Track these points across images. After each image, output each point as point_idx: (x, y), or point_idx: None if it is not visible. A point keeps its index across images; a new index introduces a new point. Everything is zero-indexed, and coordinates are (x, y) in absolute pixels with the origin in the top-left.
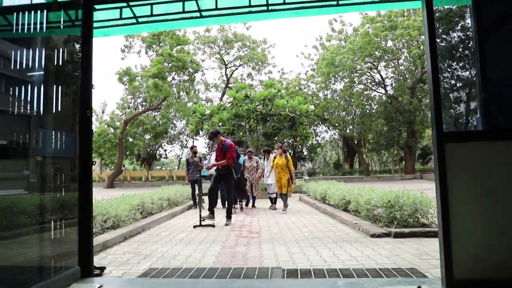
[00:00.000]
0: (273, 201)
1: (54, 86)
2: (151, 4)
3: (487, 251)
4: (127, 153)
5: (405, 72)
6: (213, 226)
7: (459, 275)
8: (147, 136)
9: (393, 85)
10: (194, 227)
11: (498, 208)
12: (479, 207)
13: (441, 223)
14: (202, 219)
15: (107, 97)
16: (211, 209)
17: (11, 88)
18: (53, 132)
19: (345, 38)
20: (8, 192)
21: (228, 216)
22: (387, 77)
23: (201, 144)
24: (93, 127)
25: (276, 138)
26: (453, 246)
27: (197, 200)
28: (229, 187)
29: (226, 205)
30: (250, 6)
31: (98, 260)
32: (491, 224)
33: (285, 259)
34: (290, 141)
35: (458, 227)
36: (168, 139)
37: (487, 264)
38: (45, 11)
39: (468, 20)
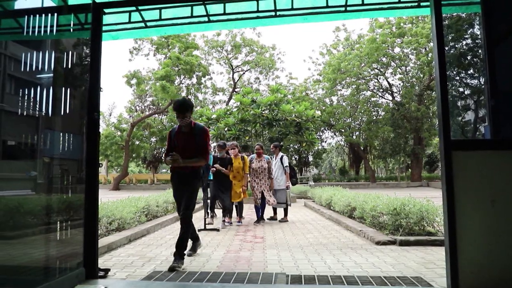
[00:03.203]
0: (274, 211)
1: (63, 88)
2: (160, 9)
3: (494, 260)
4: (134, 155)
5: (413, 79)
6: (217, 230)
7: (465, 284)
8: (154, 139)
9: (401, 92)
10: (199, 231)
11: (505, 217)
12: (486, 216)
13: (447, 232)
14: (206, 223)
15: (115, 99)
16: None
17: (20, 90)
18: (61, 133)
19: (352, 44)
20: (15, 192)
21: (183, 250)
22: (394, 84)
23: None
24: (100, 129)
25: (282, 143)
26: (459, 255)
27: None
28: (192, 199)
29: (181, 230)
30: (258, 11)
31: (102, 262)
32: (497, 233)
33: (289, 264)
34: (296, 147)
35: (464, 236)
36: None
37: (494, 274)
38: (55, 14)
39: (477, 28)
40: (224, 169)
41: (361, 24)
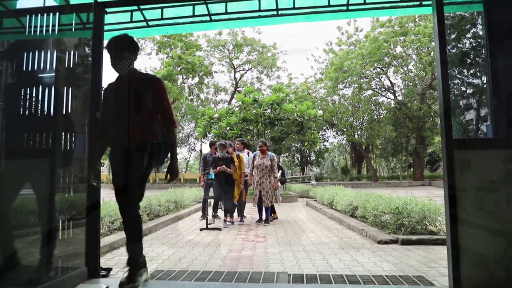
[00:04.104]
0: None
1: (65, 88)
2: (162, 8)
3: (496, 259)
4: None
5: (415, 78)
6: (219, 229)
7: (466, 283)
8: None
9: (403, 91)
10: (201, 230)
11: (508, 216)
12: (488, 216)
13: (449, 231)
14: (208, 223)
15: None
16: None
17: (22, 90)
18: (63, 133)
19: (354, 43)
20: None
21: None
22: (396, 83)
23: (208, 147)
24: None
25: (284, 143)
26: (461, 254)
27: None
28: (141, 182)
29: (126, 235)
30: (260, 10)
31: (104, 261)
32: (500, 233)
33: (291, 264)
34: (298, 146)
35: (466, 235)
36: None
37: (496, 273)
38: (57, 13)
39: (480, 27)
40: (228, 169)
41: (363, 24)
